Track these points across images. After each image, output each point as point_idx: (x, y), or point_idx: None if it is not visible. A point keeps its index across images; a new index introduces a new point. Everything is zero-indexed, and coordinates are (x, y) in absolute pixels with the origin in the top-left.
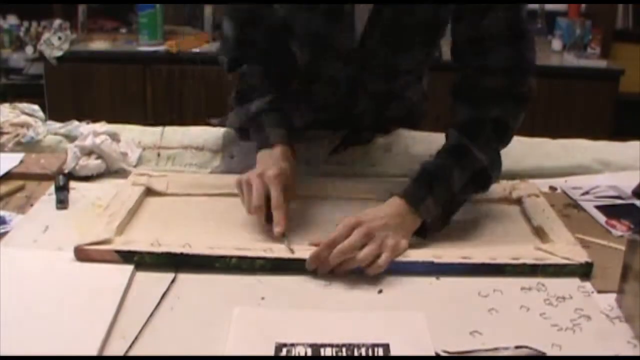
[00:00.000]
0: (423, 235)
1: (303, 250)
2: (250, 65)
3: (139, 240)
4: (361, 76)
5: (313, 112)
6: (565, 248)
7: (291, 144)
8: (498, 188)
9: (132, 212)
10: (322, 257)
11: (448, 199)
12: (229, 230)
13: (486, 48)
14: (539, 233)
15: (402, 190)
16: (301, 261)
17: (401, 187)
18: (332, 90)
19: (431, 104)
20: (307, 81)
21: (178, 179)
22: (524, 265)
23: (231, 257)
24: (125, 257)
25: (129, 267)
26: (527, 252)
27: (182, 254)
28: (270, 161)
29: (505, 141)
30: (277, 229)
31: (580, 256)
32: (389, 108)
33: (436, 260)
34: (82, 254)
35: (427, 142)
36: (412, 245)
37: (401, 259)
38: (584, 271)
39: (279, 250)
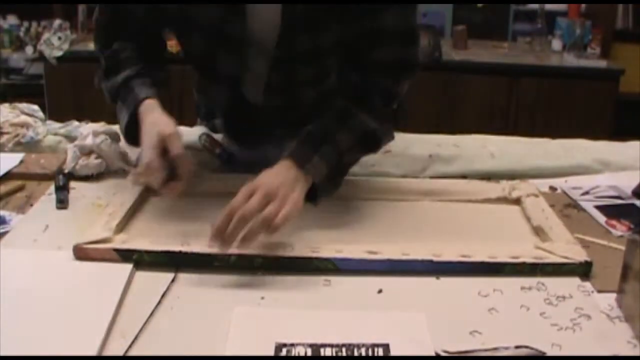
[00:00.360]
0: (314, 199)
1: (302, 249)
2: (121, 42)
3: (138, 239)
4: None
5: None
6: (564, 247)
7: (156, 97)
8: (497, 188)
9: (132, 211)
10: (223, 228)
11: (335, 159)
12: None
13: (378, 12)
14: (538, 232)
15: (289, 151)
16: (301, 259)
17: (288, 149)
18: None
19: (427, 103)
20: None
21: None
22: (523, 264)
23: (230, 256)
24: (124, 255)
25: (128, 266)
26: (527, 251)
27: (181, 252)
28: (157, 120)
29: (390, 107)
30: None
31: (579, 255)
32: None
33: (435, 259)
34: (81, 253)
35: (426, 143)
36: (411, 244)
37: (400, 257)
38: (583, 270)
39: (278, 249)
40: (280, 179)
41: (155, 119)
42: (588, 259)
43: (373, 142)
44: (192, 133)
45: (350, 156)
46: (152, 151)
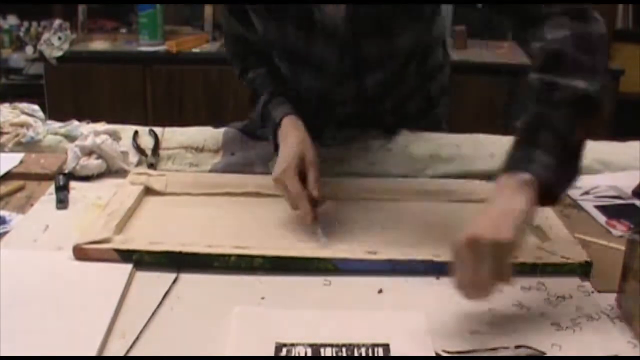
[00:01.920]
0: (553, 199)
1: (302, 249)
2: (254, 70)
3: (138, 239)
4: (357, 69)
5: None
6: (564, 247)
7: (298, 115)
8: None
9: (131, 211)
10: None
11: (560, 144)
12: (228, 229)
13: None
14: (538, 232)
15: (505, 164)
16: (301, 260)
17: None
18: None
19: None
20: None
21: (177, 178)
22: (523, 264)
23: (230, 256)
24: (124, 255)
25: (128, 266)
26: (527, 251)
27: (180, 252)
28: (285, 150)
29: (586, 51)
30: (308, 218)
31: (579, 255)
32: (404, 101)
33: (436, 259)
34: (81, 253)
35: (426, 141)
36: (411, 244)
37: (400, 257)
38: (583, 270)
39: (278, 249)
40: (511, 196)
41: (290, 143)
42: (588, 259)
43: (591, 106)
44: (199, 132)
45: (574, 136)
46: (292, 179)
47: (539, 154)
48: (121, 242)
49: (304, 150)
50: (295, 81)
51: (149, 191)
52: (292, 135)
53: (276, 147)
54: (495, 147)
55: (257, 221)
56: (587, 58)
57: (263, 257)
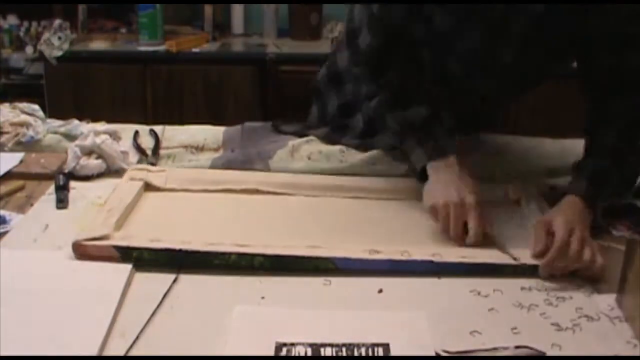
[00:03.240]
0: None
1: (301, 248)
2: (395, 71)
3: (138, 236)
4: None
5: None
6: None
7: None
8: (497, 189)
9: (130, 208)
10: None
11: (614, 196)
12: (228, 227)
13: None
14: None
15: (578, 189)
16: (301, 258)
17: (574, 187)
18: (473, 103)
19: None
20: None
21: (176, 174)
22: (524, 265)
23: (230, 254)
24: (124, 253)
25: (128, 266)
26: (527, 252)
27: (181, 250)
28: (456, 180)
29: None
30: None
31: None
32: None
33: (436, 260)
34: (80, 250)
35: None
36: (411, 244)
37: (401, 258)
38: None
39: (278, 248)
40: (582, 221)
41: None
42: None
43: (629, 187)
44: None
45: (621, 193)
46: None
47: (600, 200)
48: (121, 239)
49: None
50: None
51: (148, 187)
52: (463, 174)
53: (423, 171)
54: (495, 147)
55: (256, 218)
56: None
57: (263, 255)
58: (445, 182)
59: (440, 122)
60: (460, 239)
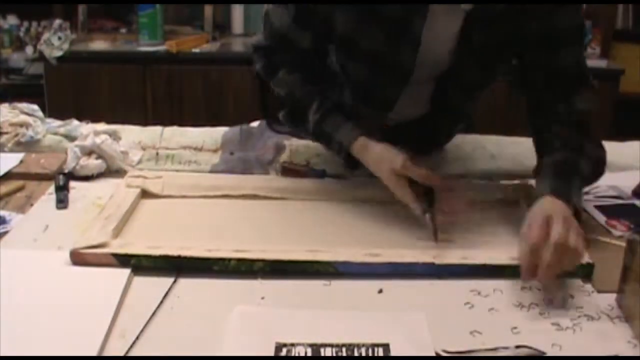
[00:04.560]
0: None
1: (301, 252)
2: (288, 73)
3: (136, 243)
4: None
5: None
6: None
7: (362, 131)
8: (498, 190)
9: (128, 215)
10: (533, 265)
11: (583, 186)
12: (227, 232)
13: (558, 45)
14: None
15: (549, 187)
16: (301, 263)
17: (540, 188)
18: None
19: None
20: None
21: (174, 180)
22: None
23: (230, 260)
24: (122, 260)
25: (127, 270)
26: None
27: (179, 256)
28: (375, 156)
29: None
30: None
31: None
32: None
33: (436, 262)
34: (78, 258)
35: None
36: (411, 247)
37: (401, 260)
38: (585, 272)
39: (277, 252)
40: (564, 210)
41: (375, 157)
42: (590, 261)
43: (601, 168)
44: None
45: (586, 185)
46: (403, 190)
47: (575, 190)
48: (119, 247)
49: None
50: (364, 87)
51: (145, 194)
52: (378, 145)
53: (353, 164)
54: (495, 147)
55: (255, 223)
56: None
57: (263, 260)
58: (370, 164)
59: (331, 116)
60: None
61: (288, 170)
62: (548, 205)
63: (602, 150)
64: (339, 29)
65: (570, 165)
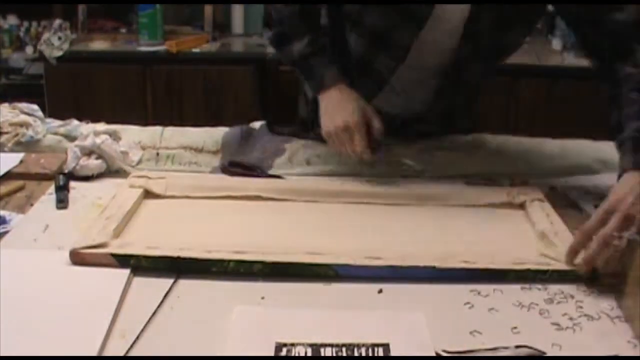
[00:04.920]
0: None
1: (301, 254)
2: (286, 6)
3: (136, 243)
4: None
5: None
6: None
7: (345, 81)
8: (501, 193)
9: (129, 215)
10: (580, 247)
11: None
12: (228, 233)
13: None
14: (543, 238)
15: (630, 162)
16: (301, 265)
17: (626, 161)
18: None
19: None
20: (358, 73)
21: (177, 181)
22: (527, 271)
23: (229, 261)
24: (121, 260)
25: (127, 270)
26: (531, 257)
27: (178, 257)
28: (336, 105)
29: None
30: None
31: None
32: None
33: (438, 265)
34: (78, 258)
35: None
36: (412, 250)
37: (402, 263)
38: (588, 277)
39: (277, 254)
40: (634, 196)
41: (350, 98)
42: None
43: None
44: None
45: None
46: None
47: None
48: (118, 247)
49: (365, 106)
50: (365, 60)
51: (148, 194)
52: (349, 95)
53: (314, 100)
54: (495, 147)
55: (257, 225)
56: None
57: (262, 262)
58: (327, 110)
59: (320, 55)
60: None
61: (228, 170)
62: (623, 188)
63: None
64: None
65: None
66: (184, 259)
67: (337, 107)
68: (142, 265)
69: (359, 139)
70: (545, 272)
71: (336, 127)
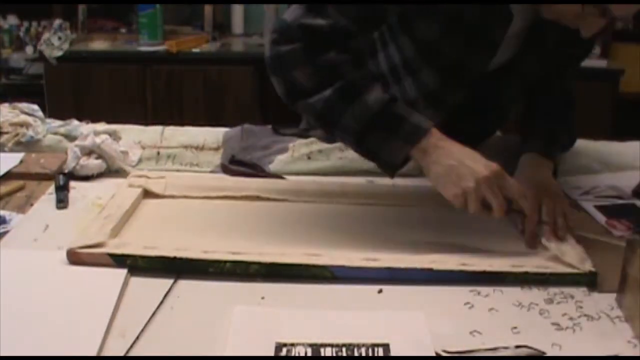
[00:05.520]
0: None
1: (298, 255)
2: (338, 53)
3: (133, 243)
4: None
5: None
6: (569, 256)
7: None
8: None
9: (128, 215)
10: (534, 235)
11: (562, 149)
12: (227, 234)
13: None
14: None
15: (535, 147)
16: (296, 266)
17: (531, 145)
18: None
19: None
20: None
21: (176, 180)
22: (526, 273)
23: (225, 262)
24: (118, 260)
25: (124, 270)
26: (530, 260)
27: (175, 258)
28: (462, 151)
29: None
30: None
31: (584, 264)
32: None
33: (435, 268)
34: (75, 257)
35: None
36: (410, 251)
37: (398, 265)
38: (588, 280)
39: (274, 255)
40: (546, 176)
41: (458, 155)
42: (593, 269)
43: (573, 141)
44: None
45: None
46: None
47: (555, 149)
48: (115, 247)
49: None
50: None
51: (147, 194)
52: (450, 138)
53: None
54: (495, 147)
55: (255, 225)
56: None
57: (259, 263)
58: (450, 160)
59: (395, 99)
60: (505, 212)
61: (229, 168)
62: (532, 170)
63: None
64: (419, 35)
65: (557, 133)
66: (181, 259)
67: (462, 154)
68: (138, 265)
69: (515, 183)
70: (543, 275)
71: (484, 176)
